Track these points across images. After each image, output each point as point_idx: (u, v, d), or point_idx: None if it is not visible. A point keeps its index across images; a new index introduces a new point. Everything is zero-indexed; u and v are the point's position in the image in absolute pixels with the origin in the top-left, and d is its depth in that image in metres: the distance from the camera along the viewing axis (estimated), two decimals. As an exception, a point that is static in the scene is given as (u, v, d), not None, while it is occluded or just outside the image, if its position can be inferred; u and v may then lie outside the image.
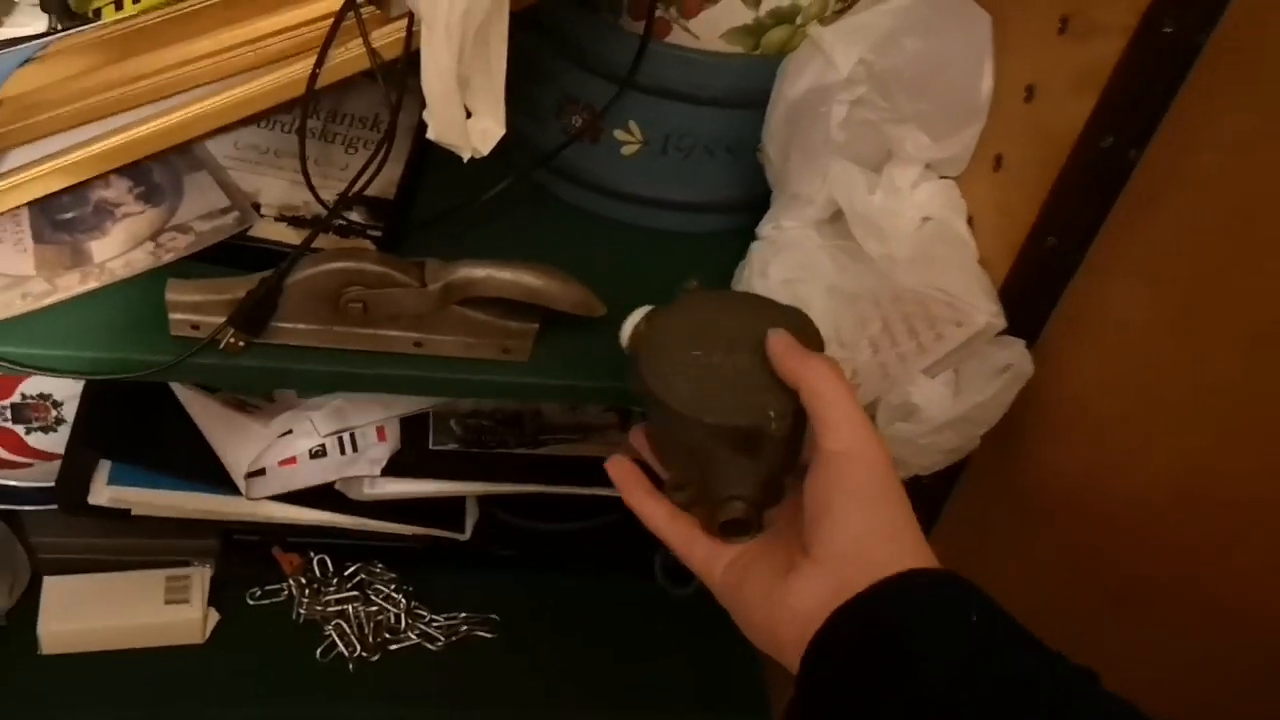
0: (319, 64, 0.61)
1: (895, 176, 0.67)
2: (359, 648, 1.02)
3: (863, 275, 0.67)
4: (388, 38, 0.61)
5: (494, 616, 1.06)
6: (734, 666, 1.05)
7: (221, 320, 0.61)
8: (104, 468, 0.93)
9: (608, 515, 1.02)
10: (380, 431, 0.94)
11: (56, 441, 0.96)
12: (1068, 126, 0.58)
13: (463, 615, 1.05)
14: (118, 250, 0.65)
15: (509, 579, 1.08)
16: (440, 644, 1.04)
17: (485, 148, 0.56)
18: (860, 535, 0.50)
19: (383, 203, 0.70)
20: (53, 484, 0.93)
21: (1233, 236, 0.54)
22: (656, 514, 0.58)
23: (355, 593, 1.04)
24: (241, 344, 0.62)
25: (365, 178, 0.62)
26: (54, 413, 0.96)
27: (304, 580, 1.03)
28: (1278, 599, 0.54)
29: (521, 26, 0.55)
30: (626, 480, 0.59)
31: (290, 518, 0.95)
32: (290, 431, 0.91)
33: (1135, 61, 0.55)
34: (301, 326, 0.63)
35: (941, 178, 0.69)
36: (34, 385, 0.95)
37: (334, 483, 0.94)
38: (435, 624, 1.04)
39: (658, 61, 0.68)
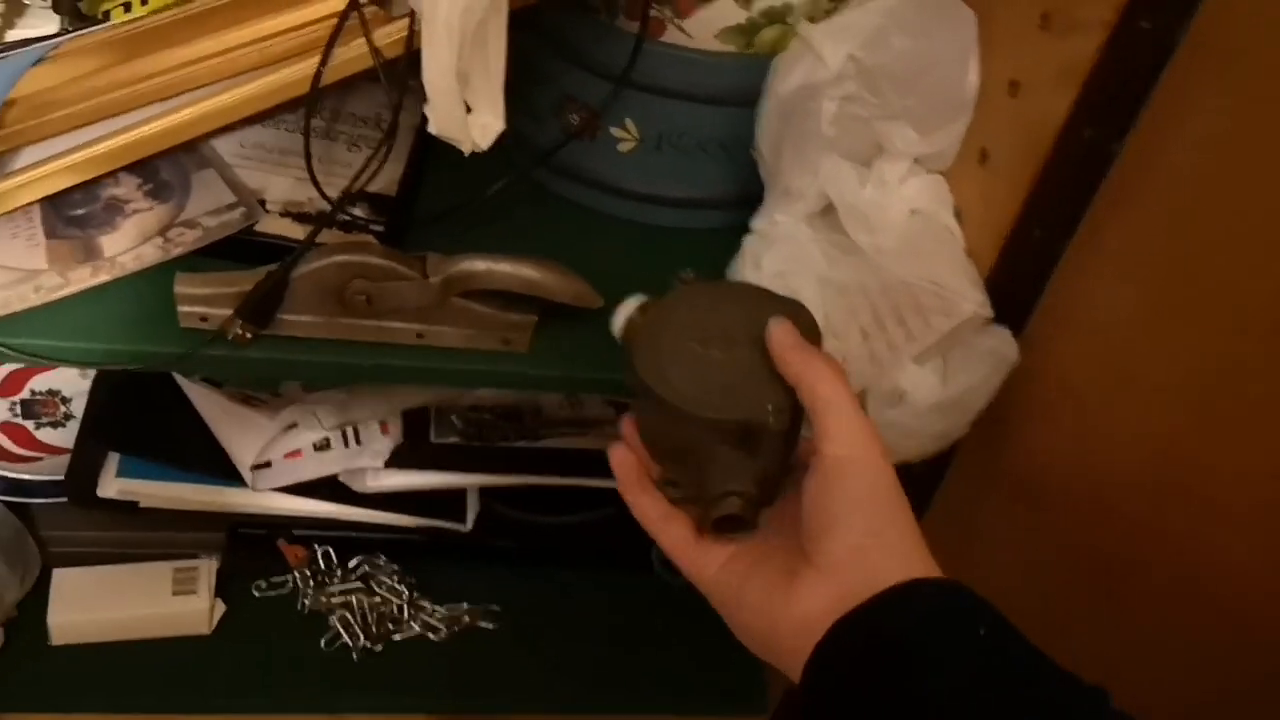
0: (323, 63, 0.62)
1: (884, 171, 0.68)
2: (363, 638, 1.02)
3: (853, 267, 0.67)
4: (390, 37, 0.62)
5: (495, 607, 1.06)
6: (733, 656, 1.04)
7: (229, 312, 0.62)
8: (113, 461, 0.94)
9: (607, 508, 1.03)
10: (383, 425, 0.95)
11: (65, 436, 0.97)
12: (1050, 120, 0.59)
13: (465, 606, 1.05)
14: (128, 245, 0.66)
15: (510, 571, 1.08)
16: (442, 634, 1.04)
17: (485, 142, 0.57)
18: (863, 543, 0.48)
19: (385, 199, 0.71)
20: (62, 477, 0.94)
21: (1209, 227, 0.56)
22: (649, 509, 0.56)
23: (359, 584, 1.04)
24: (249, 335, 0.62)
25: (368, 174, 0.63)
26: (62, 408, 0.98)
27: (309, 572, 1.04)
28: (1254, 575, 0.55)
29: (520, 28, 0.56)
30: (625, 472, 0.58)
31: (295, 509, 0.96)
32: (295, 425, 0.92)
33: (1114, 57, 0.56)
34: (307, 319, 0.63)
35: (929, 172, 0.69)
36: (43, 381, 0.97)
37: (338, 475, 0.94)
38: (437, 614, 1.05)
39: (653, 61, 0.69)
